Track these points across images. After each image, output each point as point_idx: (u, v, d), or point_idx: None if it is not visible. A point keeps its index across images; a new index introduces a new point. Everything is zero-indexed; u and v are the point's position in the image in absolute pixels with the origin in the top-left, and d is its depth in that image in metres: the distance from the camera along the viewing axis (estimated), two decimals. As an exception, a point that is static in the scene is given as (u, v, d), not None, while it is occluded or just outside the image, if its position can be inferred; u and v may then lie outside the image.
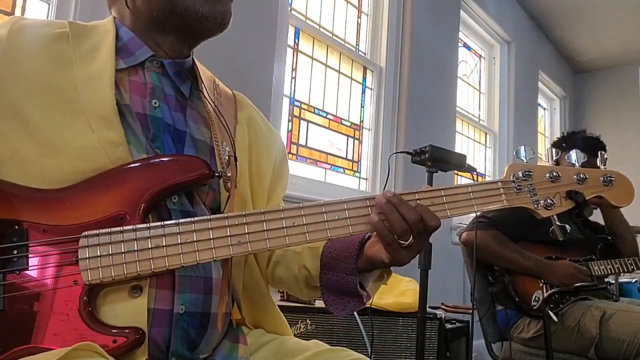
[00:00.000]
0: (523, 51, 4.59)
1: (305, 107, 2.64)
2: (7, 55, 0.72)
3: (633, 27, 4.80)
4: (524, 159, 0.83)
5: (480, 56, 4.39)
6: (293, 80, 2.57)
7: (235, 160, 0.84)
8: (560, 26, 4.97)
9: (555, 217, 0.82)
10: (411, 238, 0.72)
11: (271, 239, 0.71)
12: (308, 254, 0.86)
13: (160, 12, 0.79)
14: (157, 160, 0.73)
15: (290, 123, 2.53)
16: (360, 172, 2.96)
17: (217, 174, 0.76)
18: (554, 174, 0.81)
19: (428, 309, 1.71)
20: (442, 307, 2.46)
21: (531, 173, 0.81)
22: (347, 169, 2.86)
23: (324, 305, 0.86)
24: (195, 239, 0.68)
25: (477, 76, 4.33)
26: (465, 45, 4.14)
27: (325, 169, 2.73)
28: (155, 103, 0.78)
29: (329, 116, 2.78)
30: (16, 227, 0.66)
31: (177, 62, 0.83)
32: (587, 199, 0.81)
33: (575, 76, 5.94)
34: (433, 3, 3.39)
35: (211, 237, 0.69)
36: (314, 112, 2.69)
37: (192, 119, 0.83)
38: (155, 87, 0.79)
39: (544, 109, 5.60)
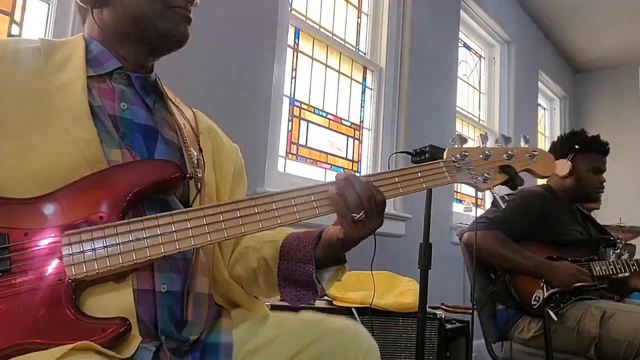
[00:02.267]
0: (523, 51, 4.60)
1: (305, 107, 2.64)
2: None
3: (633, 27, 4.80)
4: (457, 144, 0.95)
5: (480, 56, 4.39)
6: (293, 80, 2.57)
7: (202, 161, 0.90)
8: (560, 26, 4.97)
9: (494, 189, 0.94)
10: (363, 212, 0.79)
11: (245, 224, 0.77)
12: (268, 247, 0.91)
13: (124, 25, 0.86)
14: (132, 164, 0.78)
15: (290, 123, 2.53)
16: (360, 172, 2.96)
17: (187, 175, 0.83)
18: (486, 152, 0.94)
19: (428, 309, 1.71)
20: (442, 307, 2.46)
21: (467, 154, 0.93)
22: (347, 169, 2.86)
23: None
24: (174, 229, 0.73)
25: (477, 76, 4.33)
26: (465, 45, 4.14)
27: (325, 169, 2.73)
28: (124, 106, 0.84)
29: (329, 116, 2.78)
30: None
31: (143, 76, 0.89)
32: (517, 171, 0.94)
33: (575, 76, 5.94)
34: (433, 3, 3.39)
35: (189, 226, 0.74)
36: (314, 112, 2.69)
37: (160, 124, 0.88)
38: (123, 91, 0.86)
39: (544, 109, 5.60)
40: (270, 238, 0.92)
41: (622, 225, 2.90)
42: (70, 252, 0.68)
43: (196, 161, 0.88)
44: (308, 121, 2.64)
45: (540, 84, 5.13)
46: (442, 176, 0.91)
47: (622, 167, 5.00)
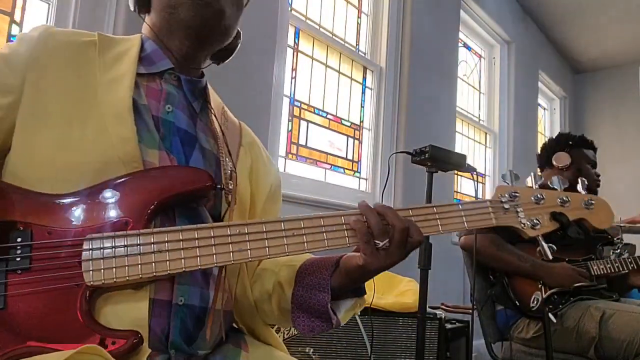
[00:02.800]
0: (523, 51, 4.60)
1: (305, 107, 2.64)
2: (35, 58, 0.76)
3: (633, 27, 4.80)
4: (509, 182, 0.88)
5: (480, 56, 4.39)
6: (293, 80, 2.57)
7: (235, 174, 0.87)
8: (560, 26, 4.97)
9: (541, 237, 0.86)
10: (387, 241, 0.75)
11: (271, 247, 0.73)
12: (285, 271, 0.87)
13: (163, 20, 0.85)
14: (164, 169, 0.76)
15: (290, 123, 2.53)
16: (360, 172, 2.96)
17: (219, 187, 0.79)
18: (539, 195, 0.86)
19: (428, 309, 1.71)
20: (442, 307, 2.46)
21: (517, 194, 0.86)
22: (347, 169, 2.87)
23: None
24: (197, 245, 0.70)
25: (477, 76, 4.33)
26: (465, 45, 4.14)
27: (325, 169, 2.73)
28: (168, 108, 0.82)
29: (329, 116, 2.78)
30: (21, 228, 0.67)
31: (193, 80, 0.88)
32: (570, 220, 0.87)
33: (575, 76, 5.94)
34: (433, 3, 3.39)
35: (213, 243, 0.71)
36: (314, 112, 2.69)
37: (201, 130, 0.86)
38: (170, 94, 0.83)
39: (544, 109, 5.60)
40: (289, 262, 0.88)
41: (622, 225, 2.89)
42: (90, 258, 0.67)
43: (229, 173, 0.85)
44: (308, 121, 2.65)
45: (540, 84, 5.13)
46: (486, 217, 0.84)
47: (622, 167, 5.00)
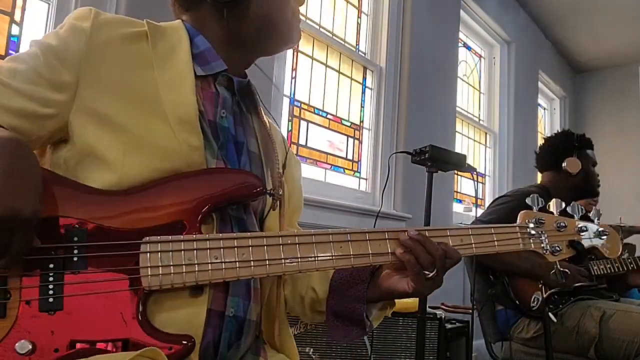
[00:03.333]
0: (523, 51, 4.60)
1: (305, 107, 2.64)
2: (90, 53, 0.72)
3: (633, 27, 4.80)
4: (535, 207, 0.92)
5: (480, 56, 4.39)
6: (293, 80, 2.57)
7: (282, 177, 0.88)
8: (560, 26, 4.97)
9: (557, 263, 0.92)
10: (435, 271, 0.78)
11: (320, 260, 0.75)
12: (318, 277, 0.88)
13: (252, 30, 0.84)
14: (217, 172, 0.76)
15: (290, 123, 2.53)
16: (360, 172, 2.96)
17: (268, 192, 0.80)
18: (561, 223, 0.92)
19: (428, 309, 1.71)
20: (442, 307, 2.46)
21: (543, 221, 0.91)
22: (347, 169, 2.87)
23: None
24: (251, 256, 0.71)
25: (477, 76, 4.33)
26: (465, 45, 4.14)
27: (325, 169, 2.73)
28: (223, 113, 0.81)
29: (329, 116, 2.78)
30: (77, 226, 0.66)
31: (241, 81, 0.87)
32: (585, 248, 0.92)
33: (575, 76, 5.94)
34: (433, 3, 3.39)
35: (266, 255, 0.72)
36: (314, 112, 2.69)
37: (248, 134, 0.86)
38: (225, 99, 0.82)
39: (544, 109, 5.60)
40: None
41: (622, 225, 2.89)
42: (148, 261, 0.66)
43: (280, 177, 0.86)
44: (308, 121, 2.64)
45: (540, 84, 5.13)
46: (515, 242, 0.89)
47: (622, 167, 5.00)
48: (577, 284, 1.88)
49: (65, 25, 0.74)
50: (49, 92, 0.70)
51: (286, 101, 2.48)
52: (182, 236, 0.69)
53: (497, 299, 1.99)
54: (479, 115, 4.30)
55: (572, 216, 0.94)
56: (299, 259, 0.73)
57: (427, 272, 0.78)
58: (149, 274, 0.66)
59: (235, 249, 0.70)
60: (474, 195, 3.18)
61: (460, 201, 3.72)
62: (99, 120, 0.70)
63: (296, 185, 0.99)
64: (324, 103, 2.76)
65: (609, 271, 1.94)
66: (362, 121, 3.01)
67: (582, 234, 0.93)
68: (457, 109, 3.71)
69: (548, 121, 5.67)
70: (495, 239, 0.86)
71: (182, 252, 0.68)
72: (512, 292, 1.94)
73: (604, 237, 0.94)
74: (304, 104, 2.63)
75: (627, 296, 2.29)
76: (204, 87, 0.80)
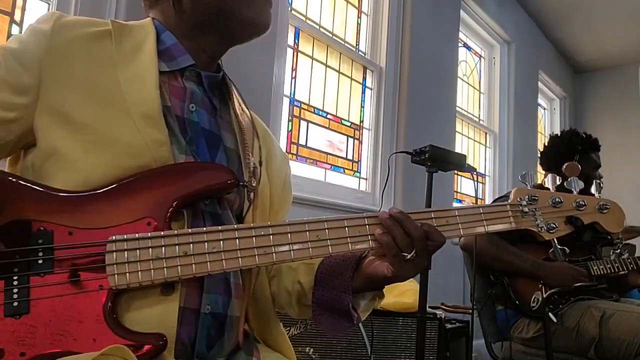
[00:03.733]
0: (523, 51, 4.59)
1: (305, 107, 2.64)
2: (51, 54, 0.72)
3: (633, 27, 4.80)
4: (528, 184, 0.88)
5: (480, 56, 4.39)
6: (293, 80, 2.57)
7: (260, 169, 0.86)
8: (560, 26, 4.97)
9: (555, 240, 0.86)
10: (414, 252, 0.74)
11: (295, 250, 0.73)
12: (303, 269, 0.86)
13: (206, 15, 0.81)
14: (185, 166, 0.74)
15: (290, 123, 2.53)
16: (360, 172, 2.96)
17: (242, 183, 0.78)
18: (557, 199, 0.86)
19: (428, 309, 1.71)
20: (442, 307, 2.46)
21: (537, 198, 0.86)
22: (347, 169, 2.87)
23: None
24: (222, 248, 0.69)
25: (477, 76, 4.33)
26: (465, 45, 4.14)
27: (325, 169, 2.73)
28: (192, 107, 0.80)
29: (329, 116, 2.78)
30: (42, 228, 0.65)
31: (212, 75, 0.85)
32: (585, 224, 0.87)
33: (575, 76, 5.94)
34: (433, 3, 3.39)
35: (238, 246, 0.70)
36: (314, 112, 2.69)
37: (223, 128, 0.85)
38: (194, 92, 0.81)
39: (544, 109, 5.60)
40: (307, 260, 0.85)
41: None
42: (114, 260, 0.65)
43: (252, 169, 0.83)
44: (308, 121, 2.64)
45: (540, 84, 5.13)
46: (506, 220, 0.84)
47: (622, 167, 5.00)
48: (577, 284, 1.88)
49: (28, 29, 0.75)
50: (12, 95, 0.70)
51: (286, 101, 2.48)
52: (149, 233, 0.67)
53: (497, 299, 2.00)
54: (479, 115, 4.30)
55: (570, 191, 0.90)
56: (274, 252, 0.71)
57: (405, 254, 0.74)
58: (115, 272, 0.65)
59: (206, 243, 0.68)
60: (474, 195, 3.18)
61: (460, 201, 3.72)
62: (62, 120, 0.70)
63: (283, 181, 0.96)
64: (324, 103, 2.76)
65: (608, 271, 1.93)
66: (362, 121, 3.01)
67: (581, 209, 0.87)
68: (457, 109, 3.71)
69: (548, 121, 5.67)
70: (483, 218, 0.82)
71: (150, 249, 0.66)
72: (512, 292, 1.94)
73: (605, 211, 0.88)
74: (304, 104, 2.63)
75: (627, 296, 2.28)
76: (171, 82, 0.79)
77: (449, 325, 2.00)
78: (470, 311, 1.93)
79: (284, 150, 2.46)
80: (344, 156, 2.86)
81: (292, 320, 1.72)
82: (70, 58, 0.72)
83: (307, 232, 0.73)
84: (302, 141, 2.60)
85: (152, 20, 0.83)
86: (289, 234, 0.72)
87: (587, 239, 0.88)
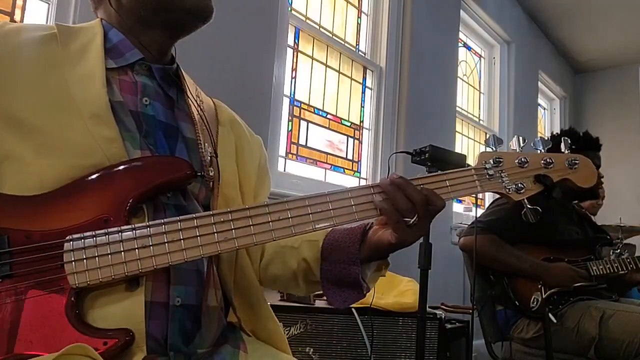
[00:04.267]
0: (523, 51, 4.59)
1: (305, 107, 2.64)
2: None
3: (633, 27, 4.80)
4: (492, 147, 0.88)
5: (480, 56, 4.39)
6: (293, 80, 2.57)
7: (217, 159, 0.85)
8: (560, 26, 4.97)
9: (526, 200, 0.85)
10: (416, 217, 0.76)
11: (257, 233, 0.72)
12: (307, 247, 0.87)
13: (146, 9, 0.82)
14: (139, 162, 0.73)
15: (290, 123, 2.53)
16: (360, 172, 2.96)
17: (199, 174, 0.77)
18: (522, 159, 0.85)
19: (428, 309, 1.71)
20: (442, 307, 2.46)
21: (501, 160, 0.85)
22: (347, 169, 2.87)
23: (324, 305, 0.86)
24: (181, 237, 0.69)
25: (477, 76, 4.33)
26: (465, 45, 4.14)
27: (325, 169, 2.73)
28: (146, 101, 0.80)
29: (329, 116, 2.78)
30: None
31: (164, 68, 0.85)
32: (554, 181, 0.85)
33: (575, 76, 5.94)
34: (433, 3, 3.39)
35: (197, 234, 0.69)
36: (314, 112, 2.69)
37: (181, 119, 0.85)
38: (146, 86, 0.81)
39: (544, 109, 5.60)
40: (309, 237, 0.87)
41: (622, 225, 2.89)
42: (73, 259, 0.65)
43: (209, 159, 0.83)
44: (308, 121, 2.65)
45: (540, 84, 5.13)
46: (472, 185, 0.84)
47: (622, 167, 5.00)
48: (576, 284, 1.89)
49: None
50: None
51: (286, 101, 2.49)
52: (105, 230, 0.67)
53: (497, 299, 2.00)
54: (479, 115, 4.30)
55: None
56: (235, 237, 0.70)
57: (407, 219, 0.75)
58: (75, 271, 0.65)
59: (165, 234, 0.68)
60: (473, 195, 3.18)
61: (460, 201, 3.72)
62: (13, 125, 0.69)
63: (257, 166, 0.96)
64: (324, 103, 2.76)
65: (608, 271, 1.93)
66: (362, 121, 3.01)
67: (549, 167, 0.85)
68: (457, 109, 3.71)
69: (548, 121, 5.67)
70: (448, 184, 0.82)
71: (108, 245, 0.66)
72: (512, 293, 1.94)
73: (575, 166, 0.87)
74: (304, 104, 2.63)
75: (627, 296, 2.29)
76: (122, 78, 0.79)
77: (449, 325, 2.00)
78: (470, 311, 1.93)
79: (284, 150, 2.47)
80: (344, 156, 2.86)
81: (292, 320, 1.72)
82: (17, 63, 0.73)
83: (269, 215, 0.73)
84: (302, 141, 2.60)
85: (100, 20, 0.85)
86: (249, 218, 0.72)
87: (557, 196, 0.86)
